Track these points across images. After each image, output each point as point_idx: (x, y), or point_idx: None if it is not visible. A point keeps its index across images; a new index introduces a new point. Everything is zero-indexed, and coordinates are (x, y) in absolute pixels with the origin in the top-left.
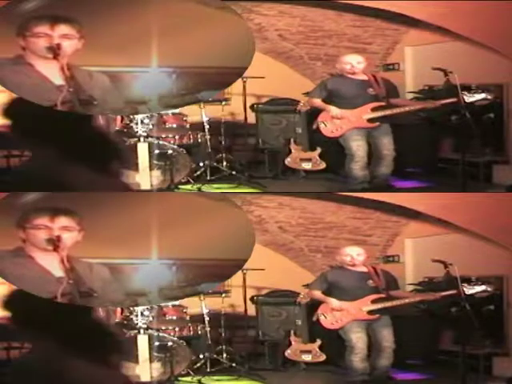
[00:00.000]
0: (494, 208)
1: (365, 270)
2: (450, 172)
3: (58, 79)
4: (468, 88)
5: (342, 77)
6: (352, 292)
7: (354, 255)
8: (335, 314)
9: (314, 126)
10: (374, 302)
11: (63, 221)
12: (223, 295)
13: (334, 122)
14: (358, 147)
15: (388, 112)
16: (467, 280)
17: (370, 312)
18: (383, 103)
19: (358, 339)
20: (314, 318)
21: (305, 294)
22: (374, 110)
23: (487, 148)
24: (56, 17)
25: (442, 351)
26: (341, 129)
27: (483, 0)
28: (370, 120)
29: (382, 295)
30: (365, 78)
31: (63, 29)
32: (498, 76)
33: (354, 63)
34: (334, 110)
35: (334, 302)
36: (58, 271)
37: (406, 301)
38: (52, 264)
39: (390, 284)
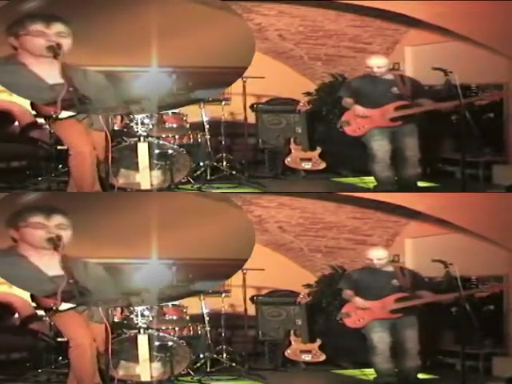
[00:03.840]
0: (494, 208)
1: (391, 269)
2: (450, 172)
3: (52, 78)
4: (468, 88)
5: (368, 76)
6: (377, 291)
7: (375, 259)
8: (359, 312)
9: (338, 125)
10: (397, 300)
11: (60, 220)
12: (223, 295)
13: (358, 120)
14: (378, 147)
15: (410, 111)
16: (467, 280)
17: (393, 311)
18: (407, 102)
19: (379, 339)
20: (338, 318)
21: (304, 293)
22: (397, 109)
23: (487, 148)
24: (51, 15)
25: (442, 351)
26: (363, 128)
27: (483, 0)
28: (393, 119)
29: (406, 294)
30: (391, 77)
31: (59, 27)
32: (498, 76)
33: (374, 67)
34: (358, 108)
35: (359, 301)
36: (51, 270)
37: (428, 300)
38: (46, 263)
39: (417, 284)
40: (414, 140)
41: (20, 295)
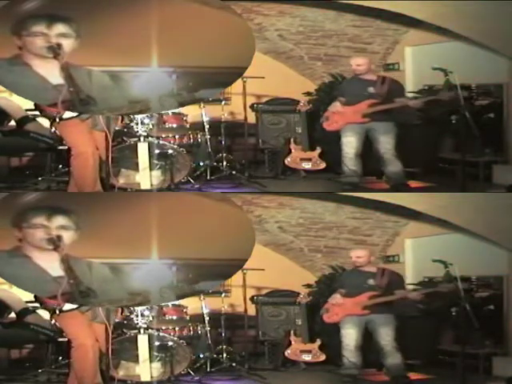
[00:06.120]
0: (494, 208)
1: (372, 270)
2: (450, 172)
3: (55, 79)
4: (468, 88)
5: (353, 77)
6: (353, 289)
7: (354, 257)
8: (334, 308)
9: (321, 121)
10: (370, 298)
11: (60, 220)
12: (223, 295)
13: (334, 116)
14: (347, 143)
15: (381, 107)
16: (467, 280)
17: (365, 308)
18: (378, 100)
19: (346, 335)
20: (321, 313)
21: (304, 293)
22: (370, 106)
23: (487, 148)
24: (52, 16)
25: (442, 351)
26: (337, 123)
27: (483, 0)
28: (364, 116)
29: (379, 293)
30: (372, 77)
31: (60, 28)
32: (498, 76)
33: (354, 65)
34: (333, 105)
35: (334, 298)
36: (55, 270)
37: (395, 297)
38: (49, 263)
39: (394, 284)
40: (387, 138)
41: (10, 291)
